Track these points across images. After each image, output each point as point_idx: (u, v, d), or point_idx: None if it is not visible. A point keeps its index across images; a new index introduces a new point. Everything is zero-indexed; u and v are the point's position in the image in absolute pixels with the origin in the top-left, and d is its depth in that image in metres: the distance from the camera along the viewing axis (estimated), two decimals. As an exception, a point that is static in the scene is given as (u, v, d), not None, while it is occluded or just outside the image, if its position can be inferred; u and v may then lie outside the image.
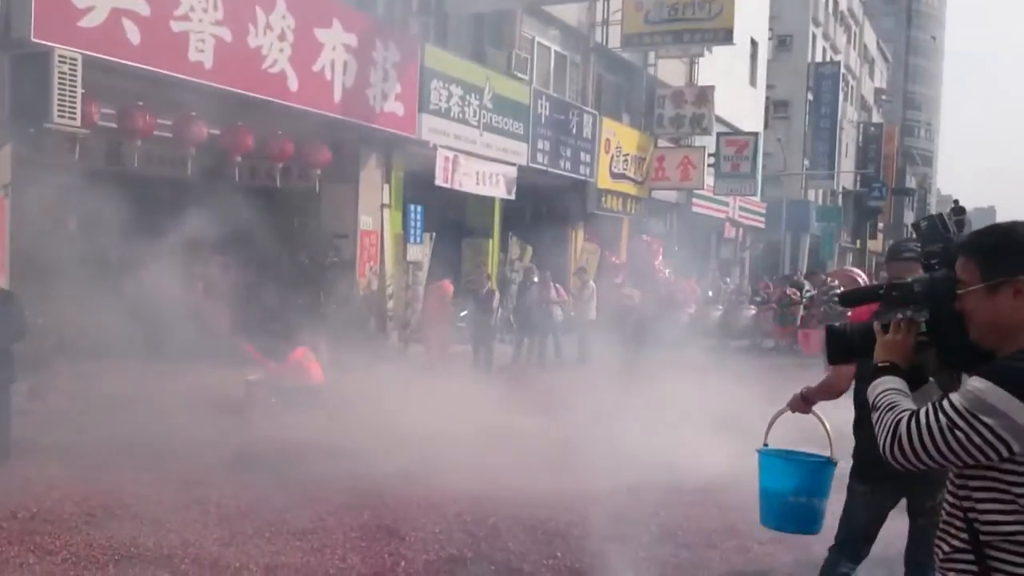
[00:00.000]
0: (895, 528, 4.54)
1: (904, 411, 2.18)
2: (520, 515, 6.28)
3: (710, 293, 23.01)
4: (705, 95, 24.24)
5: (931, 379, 2.40)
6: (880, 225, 52.92)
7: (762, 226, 34.64)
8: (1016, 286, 2.12)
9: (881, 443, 2.20)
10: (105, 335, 10.85)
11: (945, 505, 2.24)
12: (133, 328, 9.61)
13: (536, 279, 15.77)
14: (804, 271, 35.80)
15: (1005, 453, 2.05)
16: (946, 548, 2.20)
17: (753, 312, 21.47)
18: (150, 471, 6.97)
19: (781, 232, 34.81)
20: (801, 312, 20.26)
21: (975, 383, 2.08)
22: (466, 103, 15.91)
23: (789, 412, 3.95)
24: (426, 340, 14.41)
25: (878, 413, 2.24)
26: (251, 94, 11.41)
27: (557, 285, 16.16)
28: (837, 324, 2.59)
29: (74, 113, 8.94)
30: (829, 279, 14.04)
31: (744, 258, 34.71)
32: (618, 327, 18.26)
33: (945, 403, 2.11)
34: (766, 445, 3.36)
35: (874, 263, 42.42)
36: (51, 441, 7.88)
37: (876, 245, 51.57)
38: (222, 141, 11.88)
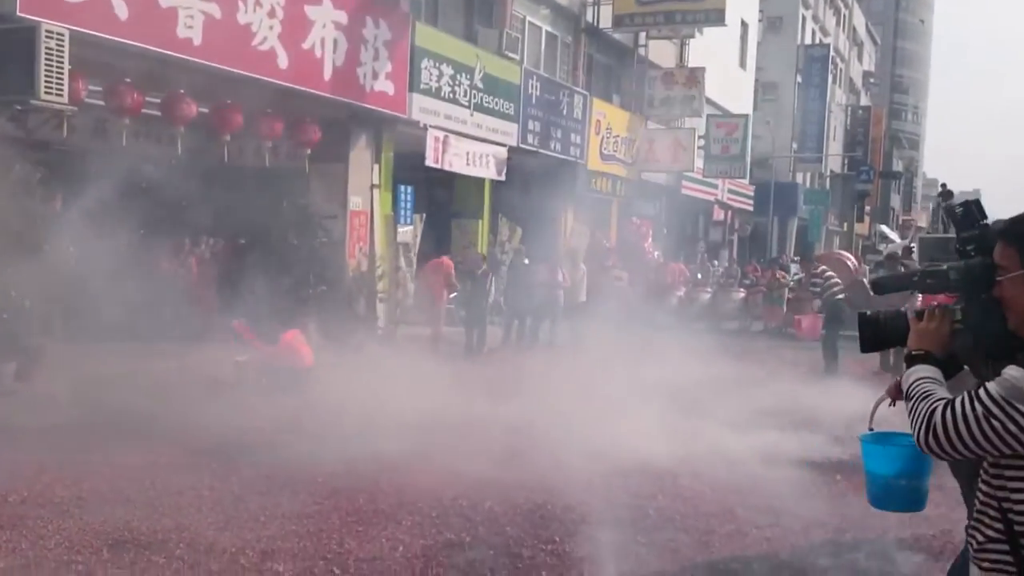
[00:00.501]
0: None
1: (939, 400, 2.14)
2: (516, 499, 6.24)
3: (699, 276, 23.01)
4: (696, 77, 24.16)
5: (966, 367, 2.35)
6: (867, 208, 53.05)
7: (751, 209, 34.66)
8: None
9: (915, 433, 2.15)
10: (92, 316, 10.74)
11: (979, 495, 2.21)
12: (120, 309, 9.49)
13: (527, 261, 15.69)
14: (791, 254, 35.95)
15: None
16: (980, 538, 2.17)
17: (742, 295, 21.48)
18: (140, 454, 6.89)
19: (769, 215, 34.84)
20: (788, 295, 20.31)
21: (1012, 371, 2.04)
22: (457, 83, 15.77)
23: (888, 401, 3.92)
24: (426, 318, 14.34)
25: (912, 402, 2.20)
26: (240, 72, 11.25)
27: (563, 270, 16.10)
28: (869, 312, 2.54)
29: (61, 90, 8.78)
30: (819, 266, 14.05)
31: (733, 241, 34.74)
32: (608, 310, 18.28)
33: (981, 391, 2.07)
34: (871, 430, 3.38)
35: (860, 246, 42.54)
36: (38, 423, 7.78)
37: (863, 228, 51.75)
38: (211, 120, 11.72)
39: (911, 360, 2.30)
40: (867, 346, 2.54)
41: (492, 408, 8.41)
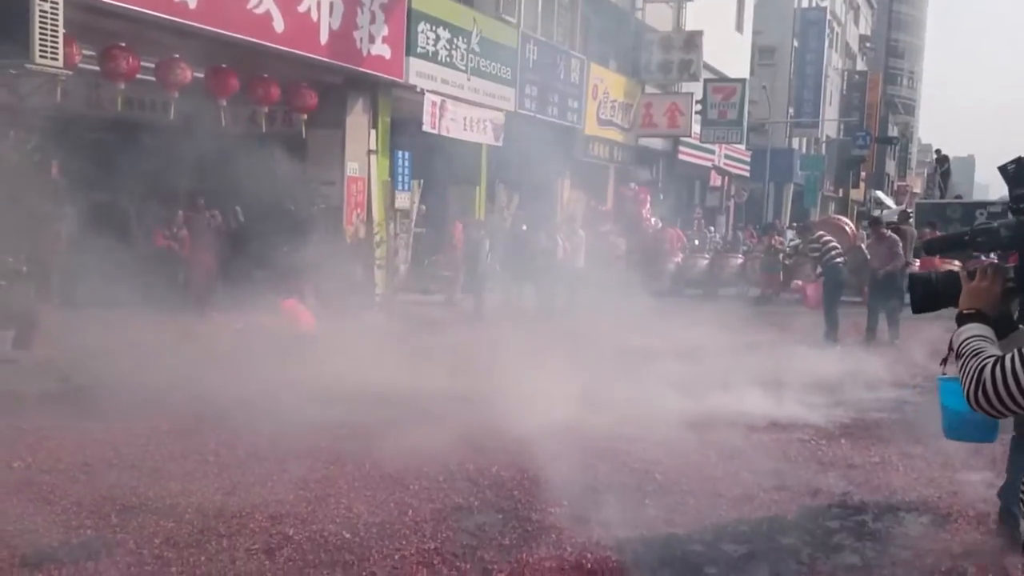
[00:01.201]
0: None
1: (989, 357, 2.12)
2: (523, 464, 6.23)
3: (696, 242, 22.95)
4: (693, 40, 23.97)
5: (1021, 326, 2.33)
6: (863, 174, 52.89)
7: (747, 175, 34.55)
8: None
9: (966, 390, 2.13)
10: (89, 283, 10.66)
11: None
12: (118, 276, 9.41)
13: (525, 227, 15.63)
14: (787, 220, 35.88)
15: None
16: None
17: (740, 261, 21.44)
18: (142, 420, 6.85)
19: (765, 181, 34.74)
20: (785, 261, 20.27)
21: None
22: (453, 46, 15.61)
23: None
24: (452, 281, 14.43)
25: (963, 360, 2.18)
26: (236, 35, 11.11)
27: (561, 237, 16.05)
28: (922, 273, 2.53)
29: (56, 53, 8.64)
30: (816, 231, 14.04)
31: (729, 207, 34.66)
32: (606, 276, 18.24)
33: None
34: (944, 374, 3.65)
35: (856, 212, 42.41)
36: (39, 390, 7.75)
37: (858, 194, 51.59)
38: (206, 84, 11.59)
39: (962, 319, 2.29)
40: (919, 306, 2.52)
41: (495, 373, 8.38)
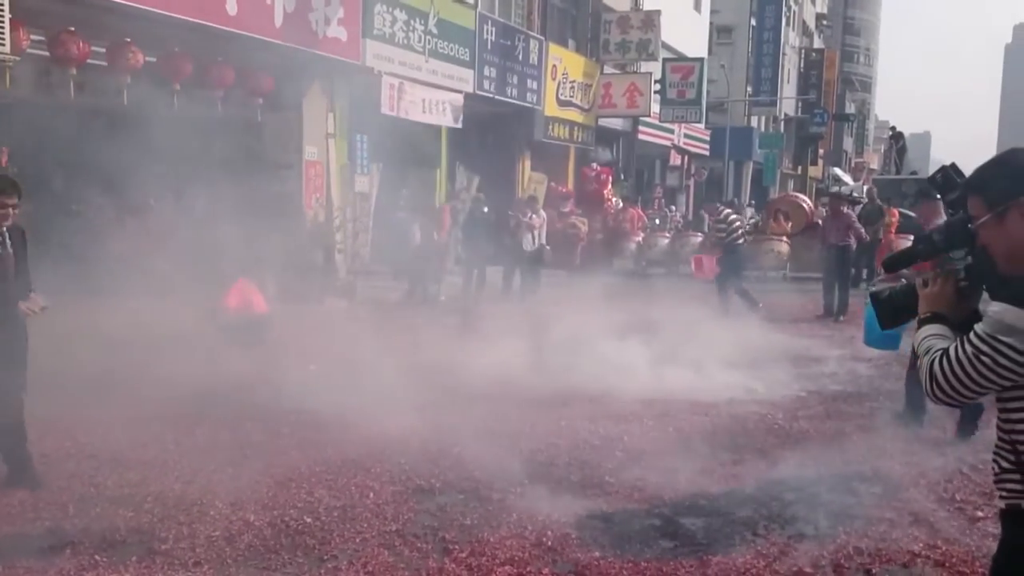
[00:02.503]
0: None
1: (938, 351, 2.21)
2: (484, 445, 6.26)
3: (657, 221, 23.08)
4: (651, 20, 24.01)
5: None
6: (820, 152, 53.42)
7: (707, 153, 34.75)
8: (1021, 209, 2.13)
9: (925, 387, 2.24)
10: (43, 271, 10.48)
11: (997, 429, 2.29)
12: (71, 264, 9.27)
13: (486, 209, 15.58)
14: (747, 198, 36.18)
15: None
16: (997, 469, 2.27)
17: (699, 239, 21.59)
18: (101, 409, 6.77)
19: (725, 160, 34.97)
20: (708, 241, 20.41)
21: (993, 307, 2.12)
22: (411, 28, 15.51)
23: None
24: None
25: (920, 360, 2.28)
26: (188, 18, 10.93)
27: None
28: (880, 289, 2.62)
29: (2, 39, 8.48)
30: (723, 210, 14.29)
31: (689, 186, 34.86)
32: (566, 257, 18.31)
33: (970, 333, 2.15)
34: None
35: (814, 189, 42.87)
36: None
37: (816, 171, 52.12)
38: (159, 69, 11.42)
39: (920, 323, 2.38)
40: (885, 323, 2.61)
41: (455, 356, 8.41)
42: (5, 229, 4.96)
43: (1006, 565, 2.29)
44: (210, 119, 12.80)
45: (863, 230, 14.02)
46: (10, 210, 4.91)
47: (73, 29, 10.17)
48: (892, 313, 2.58)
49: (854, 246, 13.33)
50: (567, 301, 11.16)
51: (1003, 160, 2.24)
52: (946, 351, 2.19)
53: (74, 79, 10.57)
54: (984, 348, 2.10)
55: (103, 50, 10.69)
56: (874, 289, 2.69)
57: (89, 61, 10.54)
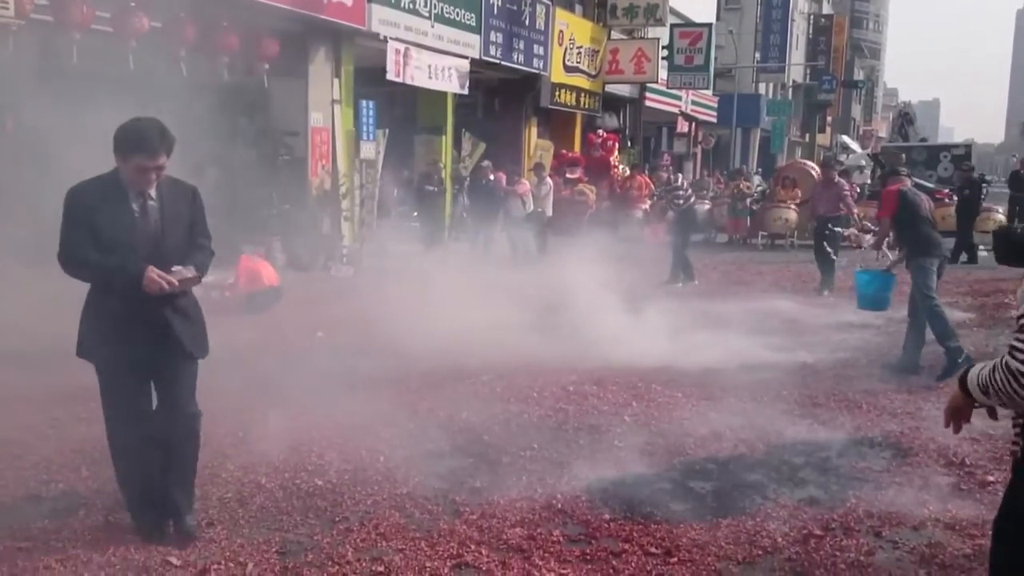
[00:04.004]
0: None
1: None
2: (493, 410, 6.29)
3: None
4: (659, -15, 23.73)
5: None
6: (828, 119, 53.07)
7: (714, 120, 34.53)
8: None
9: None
10: (42, 240, 10.47)
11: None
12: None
13: (492, 176, 15.52)
14: (754, 166, 35.95)
15: None
16: (1019, 453, 2.29)
17: (707, 207, 21.52)
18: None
19: (732, 127, 34.75)
20: (752, 207, 20.39)
21: None
22: (416, -7, 15.36)
23: None
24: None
25: None
26: (193, -17, 10.85)
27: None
28: (1006, 227, 2.60)
29: (6, 2, 8.41)
30: (679, 177, 14.36)
31: (697, 153, 34.68)
32: (573, 224, 18.26)
33: None
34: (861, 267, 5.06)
35: (822, 156, 42.64)
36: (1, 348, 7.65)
37: (824, 139, 51.82)
38: (164, 34, 11.33)
39: None
40: (1001, 258, 2.59)
41: (462, 321, 8.40)
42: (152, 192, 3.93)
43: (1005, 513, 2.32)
44: (216, 86, 12.73)
45: (854, 205, 13.60)
46: (152, 174, 3.87)
47: (77, -7, 10.07)
48: (1015, 252, 2.56)
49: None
50: (568, 265, 11.07)
51: None
52: None
53: (78, 44, 10.48)
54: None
55: (108, 15, 10.60)
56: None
57: (93, 27, 10.46)
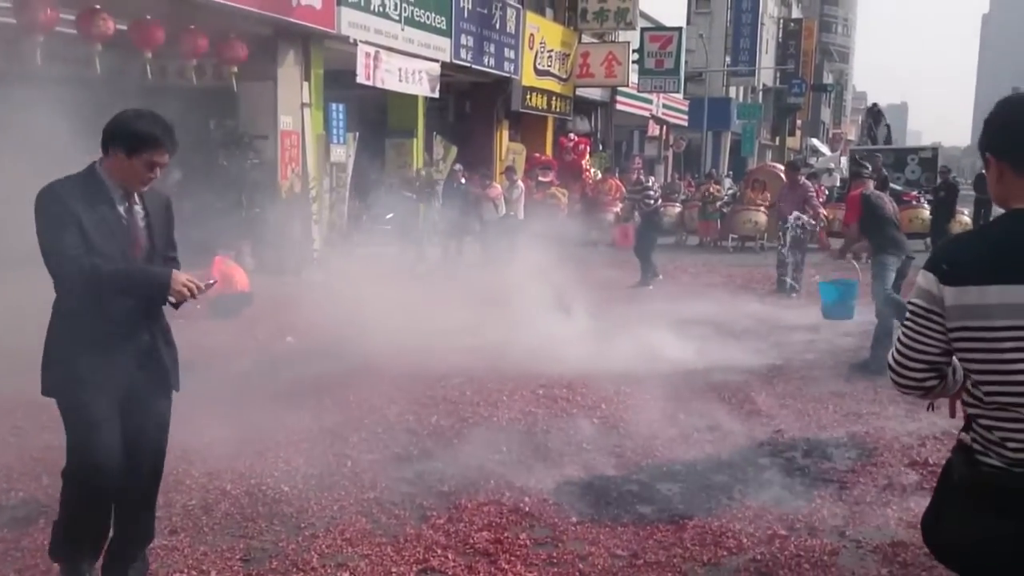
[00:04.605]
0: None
1: None
2: (462, 414, 6.29)
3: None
4: (629, -11, 23.84)
5: None
6: (798, 122, 53.54)
7: (685, 124, 34.73)
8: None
9: None
10: (10, 245, 10.34)
11: None
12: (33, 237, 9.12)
13: (464, 180, 15.51)
14: (725, 169, 36.20)
15: (942, 325, 2.08)
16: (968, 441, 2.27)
17: (678, 210, 21.66)
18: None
19: (703, 130, 34.97)
20: (723, 210, 20.53)
21: None
22: (387, -5, 15.33)
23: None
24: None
25: None
26: (160, -15, 10.76)
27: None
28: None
29: (-33, 5, 8.29)
30: (648, 178, 14.54)
31: (668, 156, 34.85)
32: (545, 227, 18.26)
33: None
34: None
35: (788, 160, 43.02)
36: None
37: (794, 142, 52.26)
38: (130, 37, 11.23)
39: None
40: None
41: (433, 325, 8.39)
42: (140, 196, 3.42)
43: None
44: (184, 89, 12.63)
45: (820, 207, 13.43)
46: (156, 171, 3.33)
47: (41, -5, 9.96)
48: None
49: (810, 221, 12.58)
50: (539, 269, 11.08)
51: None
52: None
53: (42, 47, 10.37)
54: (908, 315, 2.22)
55: (72, 17, 10.49)
56: None
57: (58, 29, 10.35)
